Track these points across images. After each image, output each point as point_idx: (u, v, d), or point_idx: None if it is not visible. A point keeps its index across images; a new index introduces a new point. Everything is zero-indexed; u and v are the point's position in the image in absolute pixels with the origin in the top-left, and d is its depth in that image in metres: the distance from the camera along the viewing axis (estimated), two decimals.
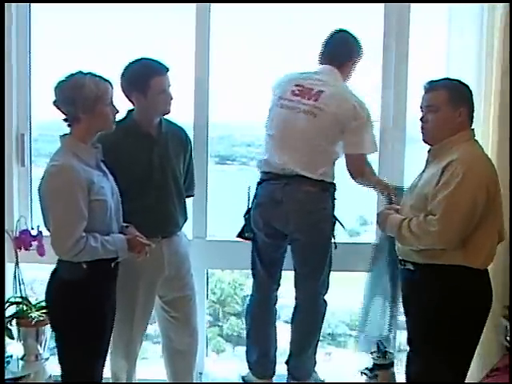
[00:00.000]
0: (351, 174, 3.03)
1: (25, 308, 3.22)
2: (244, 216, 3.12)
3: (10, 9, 3.34)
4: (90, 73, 2.49)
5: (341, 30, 3.14)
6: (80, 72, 2.48)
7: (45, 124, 3.61)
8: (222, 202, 3.81)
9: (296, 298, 3.14)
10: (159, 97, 2.84)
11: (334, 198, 3.04)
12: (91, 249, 2.41)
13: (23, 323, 3.17)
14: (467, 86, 2.63)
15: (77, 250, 2.38)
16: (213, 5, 3.34)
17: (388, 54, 3.37)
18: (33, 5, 3.42)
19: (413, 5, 3.34)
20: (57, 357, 2.58)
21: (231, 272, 4.49)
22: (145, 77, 2.82)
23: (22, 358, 3.21)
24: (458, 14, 3.28)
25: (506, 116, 3.13)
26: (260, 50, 3.51)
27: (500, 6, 3.12)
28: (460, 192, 2.42)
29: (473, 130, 2.63)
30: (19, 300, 3.24)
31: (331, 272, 3.11)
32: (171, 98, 2.89)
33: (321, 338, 3.26)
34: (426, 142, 2.68)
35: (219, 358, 4.27)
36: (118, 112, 2.58)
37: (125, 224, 2.67)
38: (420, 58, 3.38)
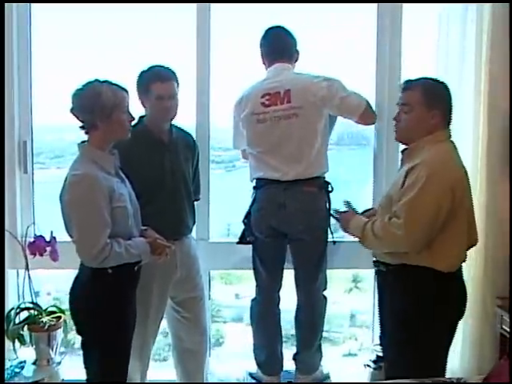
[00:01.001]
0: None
1: (36, 313, 3.24)
2: (243, 221, 3.18)
3: (11, 11, 3.34)
4: (106, 81, 2.54)
5: (276, 27, 3.18)
6: (97, 80, 2.53)
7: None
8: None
9: (298, 297, 3.23)
10: (157, 102, 2.90)
11: (329, 195, 3.12)
12: (116, 254, 2.46)
13: (35, 328, 3.20)
14: (446, 87, 2.61)
15: (103, 257, 2.42)
16: (213, 6, 3.38)
17: (382, 52, 3.45)
18: (33, 6, 3.42)
19: (405, 5, 3.41)
20: (74, 361, 2.63)
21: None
22: (148, 82, 2.91)
23: (34, 363, 3.23)
24: (448, 14, 3.35)
25: (495, 115, 3.23)
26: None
27: (487, 5, 3.20)
28: (423, 195, 2.41)
29: (449, 130, 2.61)
30: (30, 306, 3.26)
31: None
32: (176, 105, 2.96)
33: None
34: (399, 141, 2.72)
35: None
36: (133, 119, 2.63)
37: (143, 227, 2.73)
38: (412, 57, 3.44)
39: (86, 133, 2.56)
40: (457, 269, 2.58)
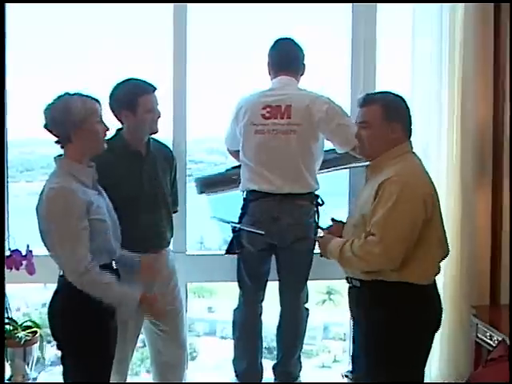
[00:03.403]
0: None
1: (11, 328, 3.20)
2: (232, 232, 3.18)
3: None
4: (77, 93, 2.51)
5: (286, 38, 3.20)
6: (67, 93, 2.50)
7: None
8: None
9: (281, 308, 3.24)
10: (148, 115, 2.90)
11: (319, 207, 3.16)
12: (101, 279, 2.44)
13: (10, 343, 3.15)
14: (403, 100, 2.58)
15: (88, 277, 2.40)
16: (190, 11, 3.37)
17: (356, 54, 3.48)
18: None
19: (379, 5, 3.45)
20: (50, 376, 2.60)
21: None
22: (134, 95, 2.88)
23: (9, 379, 3.18)
24: (421, 14, 3.37)
25: (468, 123, 3.29)
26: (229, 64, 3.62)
27: (460, 5, 3.25)
28: (397, 211, 2.39)
29: (410, 142, 2.60)
30: (6, 321, 3.20)
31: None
32: (159, 116, 2.96)
33: None
34: (361, 157, 2.72)
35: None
36: (108, 129, 2.60)
37: (137, 258, 2.73)
38: (387, 60, 3.51)
39: (62, 147, 2.53)
40: (432, 281, 2.59)
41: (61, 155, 2.55)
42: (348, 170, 3.50)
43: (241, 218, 3.17)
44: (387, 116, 2.52)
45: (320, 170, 3.24)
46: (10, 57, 3.35)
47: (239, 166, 3.24)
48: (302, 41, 3.21)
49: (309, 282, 3.30)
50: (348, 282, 2.68)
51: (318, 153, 3.15)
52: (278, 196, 3.07)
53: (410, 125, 2.61)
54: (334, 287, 4.17)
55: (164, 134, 3.34)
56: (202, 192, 3.48)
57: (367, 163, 3.23)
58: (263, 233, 3.03)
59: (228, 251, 3.21)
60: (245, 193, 3.18)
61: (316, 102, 3.07)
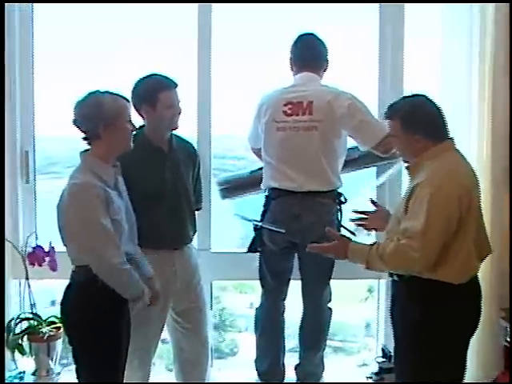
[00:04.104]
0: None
1: (36, 323, 3.24)
2: (254, 230, 3.16)
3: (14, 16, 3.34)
4: (107, 91, 2.54)
5: (308, 34, 3.16)
6: (98, 91, 2.53)
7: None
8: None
9: (304, 307, 3.21)
10: (168, 111, 2.91)
11: (342, 206, 3.12)
12: (129, 272, 2.50)
13: (34, 339, 3.19)
14: (425, 104, 2.55)
15: (120, 263, 2.45)
16: (214, 11, 3.38)
17: (384, 55, 3.45)
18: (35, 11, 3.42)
19: (407, 5, 3.41)
20: (74, 372, 2.60)
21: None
22: (154, 91, 2.89)
23: (33, 374, 3.22)
24: (450, 14, 3.34)
25: (498, 121, 3.22)
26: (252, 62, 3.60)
27: (491, 5, 3.19)
28: (433, 215, 2.38)
29: (450, 140, 2.56)
30: (30, 316, 3.26)
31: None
32: (179, 113, 2.96)
33: None
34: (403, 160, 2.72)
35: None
36: (136, 129, 2.64)
37: (149, 275, 2.72)
38: (415, 60, 3.45)
39: (89, 143, 2.56)
40: (468, 280, 2.52)
41: (87, 150, 2.57)
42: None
43: (263, 215, 3.14)
44: (407, 129, 2.52)
45: (346, 168, 3.20)
46: (38, 57, 3.44)
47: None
48: (329, 41, 3.18)
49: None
50: (390, 276, 2.67)
51: (341, 150, 3.10)
52: (300, 194, 3.03)
53: (439, 127, 2.55)
54: (374, 284, 4.09)
55: (191, 130, 3.39)
56: (225, 197, 3.45)
57: (392, 161, 3.23)
58: (284, 231, 3.00)
59: (250, 249, 3.18)
60: (267, 191, 3.15)
61: (338, 98, 3.03)
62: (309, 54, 3.12)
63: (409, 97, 2.61)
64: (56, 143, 3.87)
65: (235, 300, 4.31)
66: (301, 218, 3.03)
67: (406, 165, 2.63)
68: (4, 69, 3.27)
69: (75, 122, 2.54)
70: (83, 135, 2.55)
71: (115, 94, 2.55)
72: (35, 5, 3.42)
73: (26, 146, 3.44)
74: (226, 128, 3.60)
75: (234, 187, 3.45)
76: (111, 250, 2.45)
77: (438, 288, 2.46)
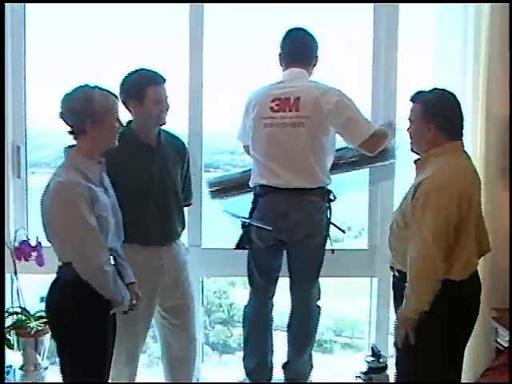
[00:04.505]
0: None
1: (24, 318, 3.24)
2: (242, 227, 3.14)
3: (5, 13, 3.32)
4: (97, 86, 2.51)
5: (298, 28, 3.12)
6: (87, 85, 2.50)
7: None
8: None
9: (292, 304, 3.19)
10: (155, 106, 2.88)
11: (331, 203, 3.10)
12: (111, 274, 2.48)
13: (22, 333, 3.19)
14: (448, 99, 2.61)
15: (103, 263, 2.44)
16: (206, 8, 3.37)
17: (378, 55, 3.44)
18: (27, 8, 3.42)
19: (401, 5, 3.39)
20: (59, 367, 2.59)
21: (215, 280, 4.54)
22: (141, 86, 2.87)
23: (21, 368, 3.23)
24: (445, 14, 3.33)
25: (493, 123, 3.22)
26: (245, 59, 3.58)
27: (486, 5, 3.18)
28: (432, 215, 2.42)
29: (460, 141, 2.60)
30: (18, 310, 3.26)
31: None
32: (167, 109, 2.94)
33: None
34: (412, 151, 2.72)
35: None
36: (123, 126, 2.61)
37: (132, 280, 2.70)
38: (409, 59, 3.44)
39: (75, 138, 2.53)
40: (469, 275, 2.56)
41: (72, 146, 2.55)
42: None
43: (251, 213, 3.12)
44: (425, 116, 2.57)
45: (339, 169, 3.20)
46: (29, 57, 3.44)
47: None
48: (322, 40, 3.16)
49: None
50: (391, 270, 2.71)
51: (329, 147, 3.07)
52: (287, 191, 3.00)
53: (454, 125, 2.60)
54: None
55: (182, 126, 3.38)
56: (215, 198, 3.43)
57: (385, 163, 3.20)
58: (271, 228, 2.98)
59: (237, 246, 3.16)
60: (255, 188, 3.13)
61: (326, 94, 3.00)
62: (297, 49, 3.09)
63: (438, 89, 2.67)
64: (48, 138, 3.86)
65: (243, 295, 4.29)
66: (288, 216, 3.00)
67: (414, 159, 2.66)
68: (4, 68, 3.28)
69: (62, 115, 2.50)
70: (69, 129, 2.53)
71: (105, 90, 2.52)
72: (27, 5, 3.43)
73: (18, 141, 3.45)
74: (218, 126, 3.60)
75: (225, 188, 3.42)
76: (94, 250, 2.43)
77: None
